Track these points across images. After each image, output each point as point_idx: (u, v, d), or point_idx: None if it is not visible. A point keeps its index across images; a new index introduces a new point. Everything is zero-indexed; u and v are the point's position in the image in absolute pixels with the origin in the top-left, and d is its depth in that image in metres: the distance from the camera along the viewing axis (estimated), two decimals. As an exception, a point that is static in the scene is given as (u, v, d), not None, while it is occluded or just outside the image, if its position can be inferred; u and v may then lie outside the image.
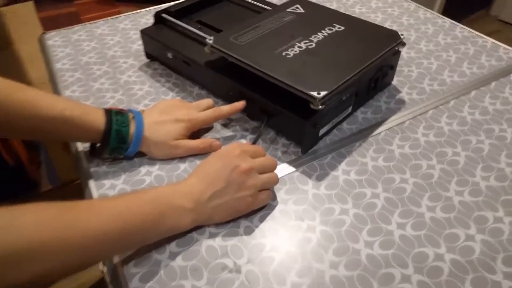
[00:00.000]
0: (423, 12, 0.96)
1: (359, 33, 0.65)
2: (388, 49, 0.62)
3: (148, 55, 0.78)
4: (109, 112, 0.55)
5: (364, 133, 0.62)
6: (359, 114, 0.66)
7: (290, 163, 0.57)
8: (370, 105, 0.67)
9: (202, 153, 0.59)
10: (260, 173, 0.49)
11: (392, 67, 0.68)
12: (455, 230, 0.48)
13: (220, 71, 0.64)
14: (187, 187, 0.47)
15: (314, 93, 0.52)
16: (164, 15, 0.76)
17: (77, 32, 0.89)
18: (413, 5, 0.99)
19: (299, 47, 0.61)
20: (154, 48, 0.75)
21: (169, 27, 0.76)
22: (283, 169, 0.56)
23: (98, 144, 0.55)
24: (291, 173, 0.56)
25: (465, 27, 0.88)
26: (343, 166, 0.57)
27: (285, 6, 0.73)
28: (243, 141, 0.61)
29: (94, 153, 0.57)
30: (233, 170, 0.47)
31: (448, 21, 0.91)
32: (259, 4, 0.81)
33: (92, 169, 0.57)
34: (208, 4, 0.82)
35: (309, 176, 0.55)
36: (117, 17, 0.94)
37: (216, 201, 0.47)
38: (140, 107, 0.68)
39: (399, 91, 0.70)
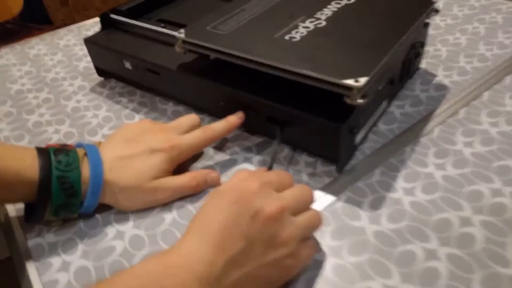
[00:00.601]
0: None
1: (376, 3, 0.48)
2: (422, 18, 0.46)
3: (99, 71, 0.60)
4: (44, 152, 0.36)
5: (411, 133, 0.45)
6: (394, 109, 0.49)
7: (325, 189, 0.40)
8: (404, 96, 0.51)
9: (195, 193, 0.40)
10: (295, 214, 0.31)
11: (423, 45, 0.52)
12: None
13: (201, 74, 0.46)
14: (185, 256, 0.28)
15: (350, 81, 0.35)
16: (114, 16, 0.58)
17: (4, 56, 0.69)
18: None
19: (306, 27, 0.44)
20: (106, 60, 0.56)
21: (122, 30, 0.57)
22: (318, 200, 0.39)
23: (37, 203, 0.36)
24: (332, 205, 0.38)
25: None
26: (401, 183, 0.39)
27: (271, -15, 0.56)
28: (249, 167, 0.43)
29: (31, 217, 0.38)
30: (255, 217, 0.29)
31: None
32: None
33: (30, 242, 0.38)
34: (166, 0, 0.64)
35: (359, 206, 0.38)
36: (58, 32, 0.75)
37: (235, 274, 0.28)
38: (96, 140, 0.49)
39: (433, 75, 0.54)
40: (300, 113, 0.39)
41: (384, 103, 0.47)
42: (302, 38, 0.42)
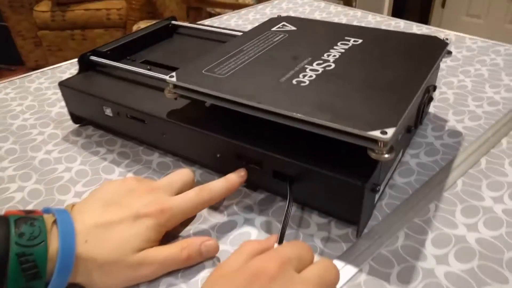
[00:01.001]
0: (373, 17, 0.83)
1: (386, 44, 0.45)
2: (439, 59, 0.42)
3: (75, 118, 0.53)
4: (3, 222, 0.29)
5: (431, 187, 0.40)
6: (409, 158, 0.44)
7: (344, 258, 0.34)
8: (418, 144, 0.46)
9: (186, 266, 0.34)
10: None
11: (435, 88, 0.49)
12: None
13: (195, 123, 0.40)
14: None
15: (377, 133, 0.30)
16: (94, 58, 0.52)
17: (-34, 101, 0.61)
18: (359, 12, 0.85)
19: (313, 70, 0.40)
20: (83, 105, 0.50)
21: (102, 73, 0.52)
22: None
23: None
24: (354, 279, 0.32)
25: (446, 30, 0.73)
26: (431, 249, 0.34)
27: (267, 25, 0.52)
28: (252, 231, 0.37)
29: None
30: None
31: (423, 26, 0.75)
32: (226, 31, 0.60)
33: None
34: (152, 41, 0.59)
35: (387, 279, 0.31)
36: (28, 75, 0.68)
37: None
38: (68, 201, 0.42)
39: (444, 120, 0.50)
40: (315, 168, 0.34)
41: (401, 153, 0.42)
42: (312, 82, 0.38)
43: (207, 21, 0.87)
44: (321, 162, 0.34)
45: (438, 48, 0.43)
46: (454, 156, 0.44)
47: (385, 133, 0.30)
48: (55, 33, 2.12)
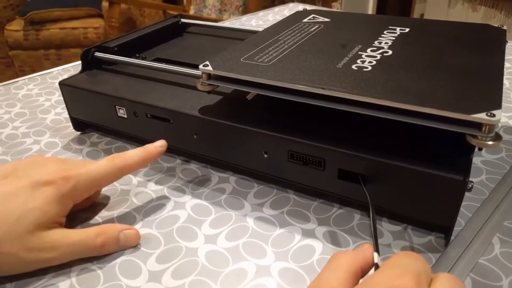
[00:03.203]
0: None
1: (437, 32, 0.40)
2: (505, 46, 0.38)
3: (77, 124, 0.46)
4: None
5: (509, 185, 0.35)
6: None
7: (436, 271, 0.28)
8: (473, 142, 0.41)
9: (100, 255, 0.30)
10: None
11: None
12: None
13: (238, 119, 0.34)
14: None
15: (483, 115, 0.25)
16: (99, 54, 0.45)
17: None
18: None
19: (370, 56, 0.35)
20: (89, 107, 0.43)
21: (110, 71, 0.45)
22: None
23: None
24: (464, 296, 0.26)
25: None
26: (539, 256, 0.28)
27: (295, 17, 0.47)
28: (319, 247, 0.30)
29: None
30: None
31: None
32: (241, 28, 0.54)
33: None
34: (161, 38, 0.53)
35: (503, 295, 0.26)
36: (14, 81, 0.61)
37: None
38: (81, 215, 0.34)
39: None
40: (399, 163, 0.28)
41: (467, 150, 0.37)
42: (375, 67, 0.32)
43: (227, 22, 0.83)
44: (404, 156, 0.28)
45: (498, 34, 0.39)
46: (518, 152, 0.39)
47: (493, 115, 0.25)
48: (28, 53, 2.02)
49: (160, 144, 0.34)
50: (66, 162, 0.31)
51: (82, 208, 0.34)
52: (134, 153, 0.33)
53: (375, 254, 0.23)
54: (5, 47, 2.04)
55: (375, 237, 0.25)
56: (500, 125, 0.44)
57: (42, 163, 0.31)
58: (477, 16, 1.79)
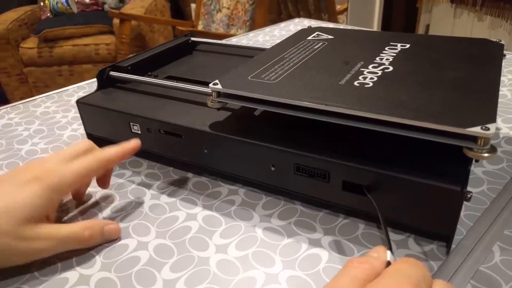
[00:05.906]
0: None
1: (437, 48, 0.42)
2: (501, 60, 0.39)
3: (93, 140, 0.48)
4: None
5: (510, 194, 0.36)
6: (472, 167, 0.40)
7: (438, 278, 0.29)
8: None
9: (86, 247, 0.33)
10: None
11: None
12: None
13: (246, 134, 0.36)
14: None
15: (477, 129, 0.27)
16: (114, 74, 0.48)
17: (-34, 127, 0.56)
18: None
19: (372, 72, 0.36)
20: (105, 124, 0.45)
21: (124, 89, 0.47)
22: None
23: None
24: (463, 302, 0.27)
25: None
26: (537, 263, 0.29)
27: (300, 35, 0.49)
28: (324, 256, 0.32)
29: None
30: None
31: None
32: (250, 46, 0.57)
33: None
34: (172, 57, 0.55)
35: (502, 301, 0.27)
36: (33, 99, 0.63)
37: None
38: (99, 227, 0.36)
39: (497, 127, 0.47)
40: (400, 175, 0.29)
41: (467, 161, 0.38)
42: (376, 83, 0.34)
43: (234, 39, 0.85)
44: (405, 168, 0.30)
45: (495, 49, 0.41)
46: (519, 163, 0.40)
47: (487, 128, 0.26)
48: (42, 70, 2.08)
49: (136, 142, 0.38)
50: (54, 157, 0.34)
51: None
52: (113, 149, 0.36)
53: (388, 252, 0.24)
54: (20, 64, 2.10)
55: (389, 243, 0.27)
56: (501, 135, 0.45)
57: (33, 165, 0.34)
58: (483, 25, 1.80)
